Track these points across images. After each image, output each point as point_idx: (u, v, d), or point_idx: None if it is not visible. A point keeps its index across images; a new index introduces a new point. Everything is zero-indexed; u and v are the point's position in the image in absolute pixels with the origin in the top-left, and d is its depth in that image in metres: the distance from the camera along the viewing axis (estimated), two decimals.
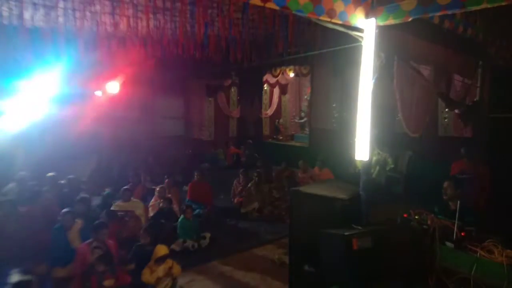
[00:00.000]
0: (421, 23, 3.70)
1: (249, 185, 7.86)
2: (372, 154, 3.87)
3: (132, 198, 6.35)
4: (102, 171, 9.10)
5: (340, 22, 3.55)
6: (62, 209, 5.26)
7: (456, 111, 5.53)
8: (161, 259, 4.33)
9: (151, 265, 4.33)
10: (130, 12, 5.54)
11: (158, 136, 11.56)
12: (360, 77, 3.72)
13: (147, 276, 4.27)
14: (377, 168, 6.99)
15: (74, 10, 5.39)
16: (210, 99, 13.04)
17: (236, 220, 7.29)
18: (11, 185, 6.63)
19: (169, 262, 4.40)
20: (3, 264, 4.83)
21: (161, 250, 4.41)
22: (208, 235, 6.06)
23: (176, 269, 4.42)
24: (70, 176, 7.35)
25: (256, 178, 7.86)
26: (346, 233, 3.23)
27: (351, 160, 5.18)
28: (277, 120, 13.59)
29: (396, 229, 3.62)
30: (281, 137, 13.01)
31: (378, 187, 6.65)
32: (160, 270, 4.31)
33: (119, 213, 5.87)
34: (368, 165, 3.84)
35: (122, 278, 4.25)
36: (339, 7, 3.47)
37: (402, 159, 7.21)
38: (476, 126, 5.45)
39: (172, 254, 4.57)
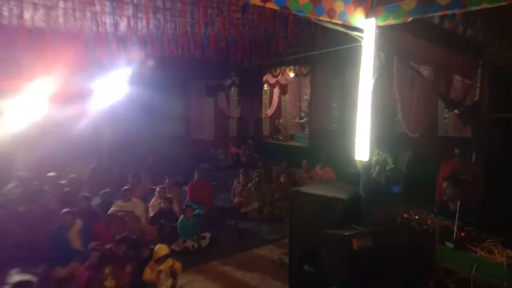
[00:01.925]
0: (421, 23, 3.70)
1: (249, 185, 7.86)
2: (372, 154, 3.87)
3: (132, 198, 6.35)
4: (102, 171, 9.10)
5: (340, 22, 3.55)
6: (63, 208, 5.27)
7: (456, 111, 5.53)
8: (162, 259, 4.34)
9: (152, 264, 4.33)
10: (130, 12, 5.55)
11: (158, 136, 11.57)
12: (360, 77, 3.72)
13: (148, 275, 4.28)
14: (377, 168, 6.99)
15: (74, 10, 5.39)
16: (210, 99, 13.05)
17: (236, 220, 7.29)
18: (11, 185, 6.64)
19: (170, 261, 4.40)
20: (3, 264, 4.84)
21: (162, 250, 4.42)
22: (208, 235, 6.06)
23: (177, 265, 4.42)
24: (72, 176, 7.37)
25: (256, 178, 7.86)
26: (346, 233, 3.24)
27: (351, 160, 5.19)
28: (277, 120, 13.59)
29: (396, 229, 3.62)
30: (281, 137, 13.02)
31: (378, 187, 6.66)
32: (161, 268, 4.31)
33: (119, 213, 5.87)
34: (368, 165, 3.84)
35: (122, 278, 4.25)
36: (339, 7, 3.47)
37: (402, 159, 7.22)
38: (476, 126, 5.44)
39: (172, 254, 4.58)
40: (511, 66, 5.25)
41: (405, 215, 3.72)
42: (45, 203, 5.92)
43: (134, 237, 5.02)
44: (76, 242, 5.03)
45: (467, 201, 4.34)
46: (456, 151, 5.23)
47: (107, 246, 4.54)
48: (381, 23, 3.64)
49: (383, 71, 3.83)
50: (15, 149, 7.92)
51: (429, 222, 3.56)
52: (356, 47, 3.85)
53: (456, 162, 5.25)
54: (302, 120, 12.97)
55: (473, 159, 5.48)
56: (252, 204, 7.59)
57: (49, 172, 7.07)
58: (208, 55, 7.11)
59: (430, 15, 3.44)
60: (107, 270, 4.17)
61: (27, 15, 5.47)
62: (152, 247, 4.66)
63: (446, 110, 6.70)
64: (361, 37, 3.72)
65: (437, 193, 5.37)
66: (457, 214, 3.39)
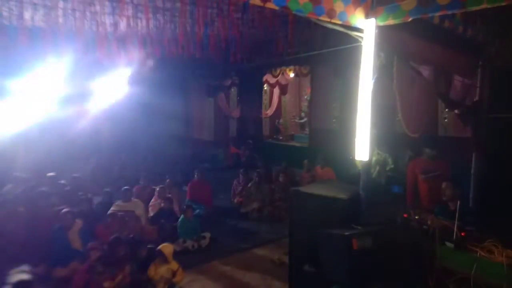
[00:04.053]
0: (421, 23, 3.70)
1: (249, 185, 7.86)
2: (372, 154, 3.87)
3: (132, 198, 6.35)
4: (101, 171, 9.11)
5: (340, 22, 3.55)
6: (64, 208, 5.27)
7: (456, 111, 5.53)
8: (166, 258, 4.34)
9: (158, 263, 4.35)
10: (130, 12, 5.54)
11: (158, 136, 11.57)
12: (360, 77, 3.72)
13: (152, 272, 4.30)
14: (377, 168, 6.99)
15: (74, 10, 5.39)
16: (210, 99, 13.04)
17: (236, 220, 7.29)
18: (10, 185, 6.63)
19: (175, 265, 4.40)
20: (3, 264, 4.83)
21: (167, 248, 4.43)
22: (208, 235, 6.06)
23: (180, 275, 4.42)
24: (75, 175, 7.39)
25: (256, 178, 7.86)
26: (346, 233, 3.23)
27: (351, 160, 5.19)
28: (277, 120, 13.59)
29: (396, 229, 3.62)
30: (281, 137, 13.01)
31: (378, 187, 6.66)
32: (163, 269, 4.31)
33: (119, 213, 5.88)
34: (368, 165, 3.84)
35: (121, 278, 4.25)
36: (339, 7, 3.47)
37: (402, 159, 7.21)
38: (476, 126, 5.44)
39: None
40: (511, 66, 5.25)
41: (405, 215, 3.72)
42: (45, 203, 5.92)
43: (131, 236, 5.02)
44: (76, 242, 5.03)
45: (440, 197, 4.41)
46: (427, 150, 5.29)
47: (106, 246, 4.55)
48: (381, 23, 3.64)
49: (383, 71, 3.82)
50: (15, 149, 7.92)
51: (429, 222, 3.57)
52: (356, 47, 3.85)
53: (424, 160, 5.31)
54: (302, 120, 12.97)
55: (473, 159, 5.48)
56: (252, 204, 7.59)
57: (49, 172, 7.07)
58: (208, 55, 7.11)
59: (430, 15, 3.44)
60: (106, 270, 4.17)
61: (27, 15, 5.47)
62: (150, 246, 4.67)
63: (446, 110, 6.69)
64: (361, 37, 3.72)
65: (408, 193, 5.40)
66: (457, 214, 3.39)
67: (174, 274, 4.36)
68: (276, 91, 12.87)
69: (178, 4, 5.14)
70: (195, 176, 7.81)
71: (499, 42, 5.01)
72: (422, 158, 5.40)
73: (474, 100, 5.48)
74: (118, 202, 6.19)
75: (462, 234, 3.34)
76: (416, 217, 3.66)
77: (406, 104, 4.51)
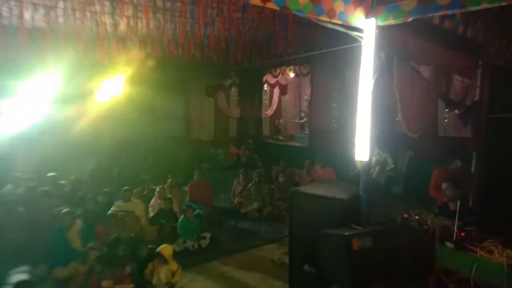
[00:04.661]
0: (421, 23, 3.71)
1: (249, 185, 7.85)
2: (372, 154, 3.88)
3: (132, 199, 6.35)
4: (102, 171, 9.10)
5: (340, 22, 3.56)
6: (64, 208, 5.27)
7: (456, 111, 5.54)
8: (166, 259, 4.34)
9: (156, 263, 4.34)
10: (130, 12, 5.55)
11: (158, 136, 11.57)
12: (360, 77, 3.72)
13: (149, 272, 4.30)
14: (377, 168, 7.00)
15: (74, 10, 5.39)
16: (210, 99, 13.04)
17: (236, 220, 7.29)
18: (10, 186, 6.63)
19: (175, 266, 4.40)
20: (3, 264, 4.84)
21: (168, 249, 4.43)
22: (208, 235, 6.06)
23: (178, 276, 4.42)
24: (76, 176, 7.39)
25: (256, 178, 7.86)
26: (346, 233, 3.24)
27: (351, 161, 5.20)
28: (277, 120, 13.59)
29: (396, 229, 3.62)
30: (281, 137, 13.02)
31: (378, 187, 6.66)
32: (163, 270, 4.31)
33: (119, 213, 5.87)
34: (368, 165, 3.84)
35: (121, 278, 4.25)
36: (339, 7, 3.48)
37: (402, 159, 7.22)
38: (476, 126, 5.45)
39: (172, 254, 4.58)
40: (511, 66, 5.25)
41: (405, 215, 3.72)
42: (46, 203, 5.92)
43: (131, 235, 5.02)
44: (76, 242, 5.03)
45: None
46: (458, 162, 5.28)
47: (106, 246, 4.55)
48: (381, 23, 3.64)
49: (383, 71, 3.83)
50: (15, 149, 7.92)
51: (429, 222, 3.57)
52: (356, 47, 3.85)
53: (450, 170, 5.29)
54: (302, 120, 12.96)
55: (473, 159, 5.49)
56: (252, 204, 7.59)
57: (49, 172, 7.07)
58: (208, 55, 7.11)
59: (430, 15, 3.45)
60: (105, 270, 4.17)
61: (27, 15, 5.47)
62: (150, 246, 4.66)
63: (446, 110, 6.70)
64: (361, 37, 3.72)
65: (436, 196, 5.37)
66: (457, 214, 3.39)
67: (173, 274, 4.35)
68: (276, 91, 12.87)
69: (178, 4, 5.14)
70: (195, 176, 7.80)
71: (499, 42, 5.01)
72: (449, 168, 5.38)
73: (474, 100, 5.48)
74: (118, 203, 6.19)
75: (462, 234, 3.34)
76: (416, 217, 3.66)
77: (406, 104, 4.51)
